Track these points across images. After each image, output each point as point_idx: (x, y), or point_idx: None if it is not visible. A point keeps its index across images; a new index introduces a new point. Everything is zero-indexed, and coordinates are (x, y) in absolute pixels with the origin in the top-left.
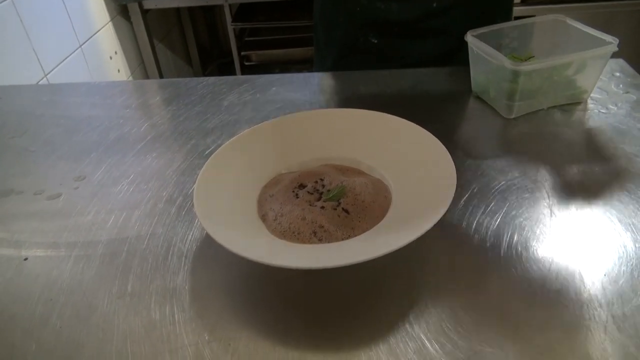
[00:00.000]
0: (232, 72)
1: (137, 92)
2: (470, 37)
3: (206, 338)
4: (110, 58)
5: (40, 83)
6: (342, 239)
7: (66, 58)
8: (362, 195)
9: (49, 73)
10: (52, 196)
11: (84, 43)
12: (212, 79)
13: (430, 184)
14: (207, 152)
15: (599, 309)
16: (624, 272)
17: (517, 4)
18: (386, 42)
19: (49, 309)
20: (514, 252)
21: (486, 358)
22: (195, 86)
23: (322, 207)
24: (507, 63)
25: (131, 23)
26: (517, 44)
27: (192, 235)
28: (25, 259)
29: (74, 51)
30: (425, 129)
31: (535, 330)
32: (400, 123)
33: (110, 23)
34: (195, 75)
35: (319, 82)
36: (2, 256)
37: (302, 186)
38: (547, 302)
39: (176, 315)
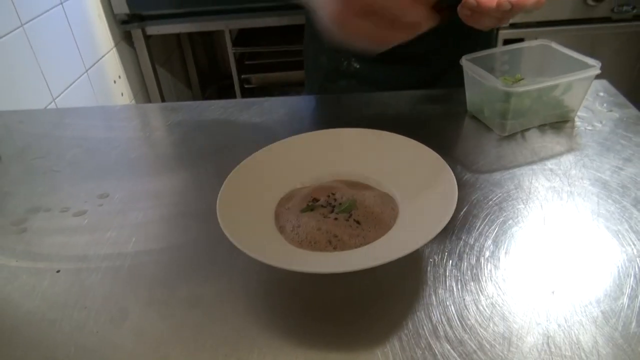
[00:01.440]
0: (231, 95)
1: (151, 115)
2: (465, 62)
3: (235, 338)
4: (114, 82)
5: (49, 107)
6: (355, 247)
7: (73, 82)
8: (372, 208)
9: (57, 97)
10: (78, 213)
11: (90, 68)
12: (222, 102)
13: (433, 196)
14: (221, 170)
15: (589, 306)
16: (611, 272)
17: (506, 27)
18: (368, 67)
19: (84, 316)
20: (510, 257)
21: (492, 351)
22: (207, 109)
23: (336, 219)
24: (500, 85)
25: (134, 48)
26: (508, 67)
27: (212, 247)
28: (58, 272)
29: (81, 76)
30: (427, 146)
31: (531, 323)
32: (404, 141)
33: (114, 48)
34: (195, 97)
35: (325, 104)
36: (36, 269)
37: (315, 200)
38: (543, 301)
39: (203, 319)
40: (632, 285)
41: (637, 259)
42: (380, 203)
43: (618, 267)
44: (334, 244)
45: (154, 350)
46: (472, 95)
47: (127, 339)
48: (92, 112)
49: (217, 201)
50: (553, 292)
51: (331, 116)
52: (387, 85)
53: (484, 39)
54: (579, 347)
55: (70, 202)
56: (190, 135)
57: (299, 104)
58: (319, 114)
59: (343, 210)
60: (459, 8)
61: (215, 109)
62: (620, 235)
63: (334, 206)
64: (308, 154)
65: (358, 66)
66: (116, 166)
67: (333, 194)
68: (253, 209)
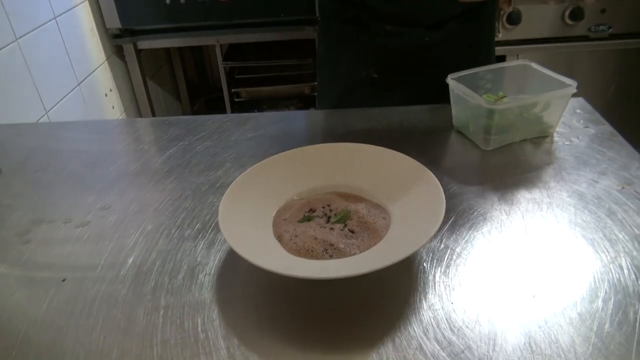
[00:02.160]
0: (220, 108)
1: (149, 129)
2: (450, 80)
3: (236, 342)
4: (106, 95)
5: (41, 120)
6: (350, 255)
7: (66, 95)
8: (365, 218)
9: (49, 110)
10: (80, 224)
11: (82, 81)
12: (218, 116)
13: (422, 207)
14: (219, 183)
15: (567, 309)
16: (587, 278)
17: None
18: (386, 76)
19: (92, 322)
20: (494, 264)
21: (478, 351)
22: (204, 123)
23: (331, 229)
24: (483, 102)
25: (125, 62)
26: (491, 86)
27: (213, 256)
28: (64, 280)
29: (73, 89)
30: (415, 159)
31: (514, 324)
32: (394, 155)
33: (106, 62)
34: (184, 110)
35: (318, 119)
36: (42, 278)
37: (312, 211)
38: (525, 304)
39: (207, 324)
40: (606, 289)
41: (611, 265)
42: (373, 214)
43: (593, 272)
44: (330, 252)
45: (160, 354)
46: (457, 111)
47: (135, 343)
48: (89, 126)
49: (219, 212)
50: (534, 296)
51: (324, 131)
52: (403, 94)
53: (487, 46)
54: (557, 346)
55: (72, 214)
56: (188, 148)
57: (292, 119)
58: (312, 129)
59: (338, 220)
60: None
61: (212, 123)
62: (595, 243)
63: (329, 217)
64: (304, 167)
65: (376, 76)
66: (117, 179)
67: (328, 205)
68: (252, 219)
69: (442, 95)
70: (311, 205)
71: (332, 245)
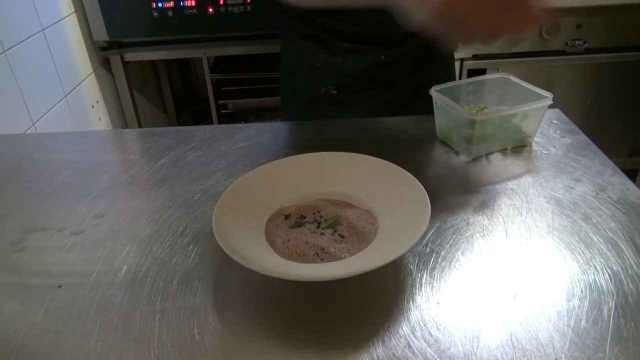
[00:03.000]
0: (206, 120)
1: (140, 140)
2: (434, 92)
3: (231, 344)
4: (92, 107)
5: (28, 131)
6: (341, 259)
7: (52, 107)
8: (354, 223)
9: (36, 122)
10: (74, 232)
11: (69, 93)
12: (209, 127)
13: (408, 212)
14: (211, 191)
15: (546, 307)
16: (564, 278)
17: (469, 59)
18: (344, 93)
19: (89, 328)
20: (477, 266)
21: (463, 348)
22: (194, 133)
23: (322, 234)
24: (465, 113)
25: (112, 74)
26: (472, 97)
27: (206, 262)
28: (59, 287)
29: (60, 100)
30: (401, 167)
31: (497, 322)
32: (381, 163)
33: (93, 74)
34: (170, 122)
35: (305, 130)
36: (38, 284)
37: (303, 217)
38: (506, 303)
39: (202, 327)
40: (582, 289)
41: (586, 266)
42: (362, 219)
43: (570, 273)
44: (321, 256)
45: (157, 356)
46: (440, 122)
47: (133, 346)
48: (80, 136)
49: (213, 220)
50: (515, 296)
51: (311, 141)
52: (364, 109)
53: (445, 66)
54: (537, 342)
55: (66, 222)
56: (179, 158)
57: (280, 130)
58: (300, 139)
59: (328, 225)
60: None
61: (202, 133)
62: (572, 246)
63: (319, 222)
64: (294, 175)
65: (336, 92)
66: (109, 188)
67: (319, 212)
68: (245, 226)
69: (402, 111)
70: (302, 212)
71: (323, 249)
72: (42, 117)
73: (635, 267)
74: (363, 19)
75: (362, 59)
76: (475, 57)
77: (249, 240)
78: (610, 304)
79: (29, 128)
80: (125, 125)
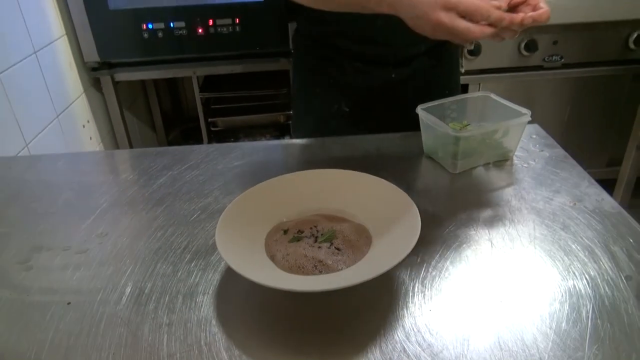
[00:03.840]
0: (195, 137)
1: (138, 160)
2: (420, 111)
3: (237, 353)
4: (83, 127)
5: (22, 152)
6: (338, 270)
7: (45, 128)
8: (349, 237)
9: (29, 143)
10: (79, 251)
11: (60, 113)
12: (204, 146)
13: (400, 226)
14: (210, 209)
15: (529, 311)
16: (546, 284)
17: None
18: (356, 109)
19: (99, 341)
20: (466, 274)
21: (455, 350)
22: (191, 153)
23: (319, 247)
24: (450, 131)
25: (103, 94)
26: (456, 115)
27: (209, 276)
28: (69, 303)
29: (52, 121)
30: (391, 182)
31: (485, 326)
32: (373, 179)
33: (83, 94)
34: (159, 140)
35: (298, 148)
36: (48, 302)
37: (300, 231)
38: (493, 308)
39: (209, 338)
40: (562, 293)
41: (565, 273)
42: (356, 232)
43: (551, 279)
44: (320, 268)
45: None
46: (427, 139)
47: (142, 358)
48: (79, 158)
49: (216, 236)
50: (501, 301)
51: (305, 158)
52: (373, 125)
53: (453, 83)
54: (522, 343)
55: (71, 242)
56: (177, 177)
57: (274, 148)
58: (294, 157)
59: (325, 239)
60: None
61: (198, 153)
62: (552, 254)
63: (316, 237)
64: (291, 192)
65: (348, 109)
66: (110, 207)
67: (315, 226)
68: (247, 242)
69: (410, 127)
70: (299, 227)
71: (321, 262)
72: (34, 137)
73: (610, 273)
74: (373, 40)
75: (374, 78)
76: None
77: (251, 255)
78: (588, 307)
79: (22, 149)
80: (116, 144)
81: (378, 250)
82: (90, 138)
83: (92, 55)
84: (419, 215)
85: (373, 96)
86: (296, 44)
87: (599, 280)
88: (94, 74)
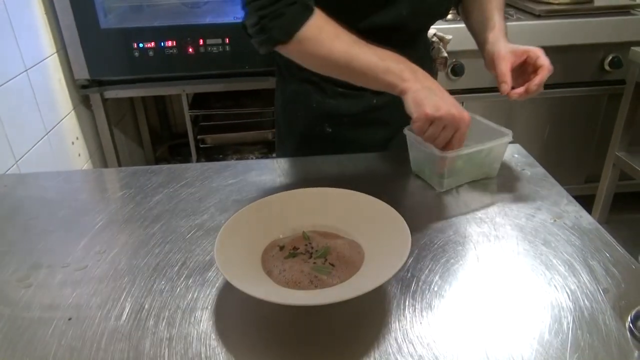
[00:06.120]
0: (182, 154)
1: (133, 178)
2: (407, 131)
3: None
4: (72, 143)
5: (11, 169)
6: (332, 285)
7: (34, 145)
8: (343, 252)
9: (19, 160)
10: (78, 267)
11: (50, 130)
12: (198, 165)
13: (391, 242)
14: (206, 226)
15: (514, 323)
16: (529, 297)
17: None
18: (338, 131)
19: (101, 355)
20: (454, 288)
21: (444, 356)
22: (186, 171)
23: (314, 263)
24: (436, 151)
25: (92, 111)
26: None
27: (206, 291)
28: (70, 319)
29: (42, 138)
30: (381, 200)
31: (473, 337)
32: (364, 197)
33: (73, 111)
34: (147, 156)
35: (290, 166)
36: (49, 318)
37: (295, 248)
38: (480, 321)
39: (209, 351)
40: (544, 306)
41: (547, 286)
42: (350, 248)
43: (534, 292)
44: (315, 283)
45: None
46: (414, 158)
47: None
48: (74, 175)
49: (215, 252)
50: (487, 313)
51: (297, 177)
52: (355, 145)
53: None
54: (508, 353)
55: (69, 259)
56: (173, 195)
57: (268, 166)
58: (286, 175)
59: (320, 255)
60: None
61: (193, 171)
62: (534, 268)
63: (311, 253)
64: (286, 209)
65: (330, 130)
66: (108, 225)
67: (310, 243)
68: (244, 257)
69: (395, 147)
70: (295, 243)
71: (317, 277)
72: (24, 154)
73: (589, 286)
74: None
75: (355, 103)
76: None
77: (249, 271)
78: (569, 319)
79: (12, 166)
80: (104, 161)
81: (370, 266)
82: (79, 155)
83: (83, 73)
84: (409, 232)
85: (355, 119)
86: (278, 66)
87: (578, 293)
88: (84, 91)
